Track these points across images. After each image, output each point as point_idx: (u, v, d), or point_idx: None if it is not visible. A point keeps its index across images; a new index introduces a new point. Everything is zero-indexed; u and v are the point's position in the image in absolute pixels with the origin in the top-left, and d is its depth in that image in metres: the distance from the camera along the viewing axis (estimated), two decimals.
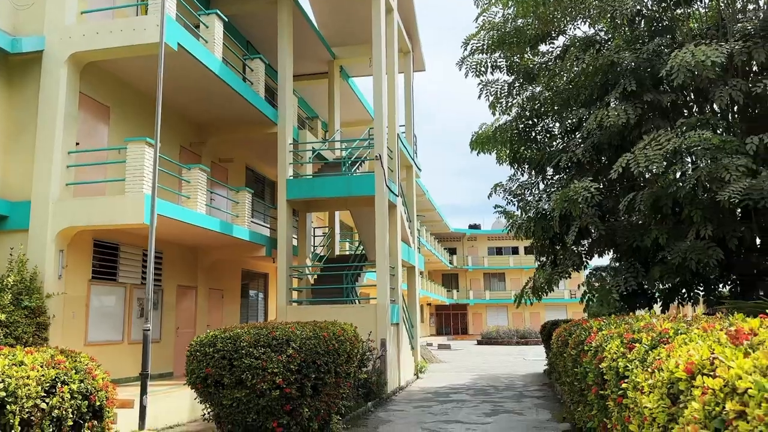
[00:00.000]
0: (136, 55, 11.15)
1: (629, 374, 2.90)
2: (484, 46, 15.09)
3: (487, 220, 63.14)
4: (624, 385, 2.90)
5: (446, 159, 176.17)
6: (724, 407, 1.70)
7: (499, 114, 15.43)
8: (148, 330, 7.54)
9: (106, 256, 12.23)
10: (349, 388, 9.52)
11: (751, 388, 1.58)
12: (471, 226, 62.32)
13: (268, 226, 17.60)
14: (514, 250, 61.32)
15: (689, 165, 11.73)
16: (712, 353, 1.98)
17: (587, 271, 15.20)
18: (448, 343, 38.74)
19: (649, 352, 2.84)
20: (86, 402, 5.49)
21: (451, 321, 60.48)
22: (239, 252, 15.34)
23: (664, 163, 10.82)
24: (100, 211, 10.52)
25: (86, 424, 5.51)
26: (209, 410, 7.57)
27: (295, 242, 16.90)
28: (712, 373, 1.88)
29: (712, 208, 11.23)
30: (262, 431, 7.30)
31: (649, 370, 2.58)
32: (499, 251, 61.76)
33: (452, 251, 60.23)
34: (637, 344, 3.10)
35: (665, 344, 2.76)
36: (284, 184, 14.84)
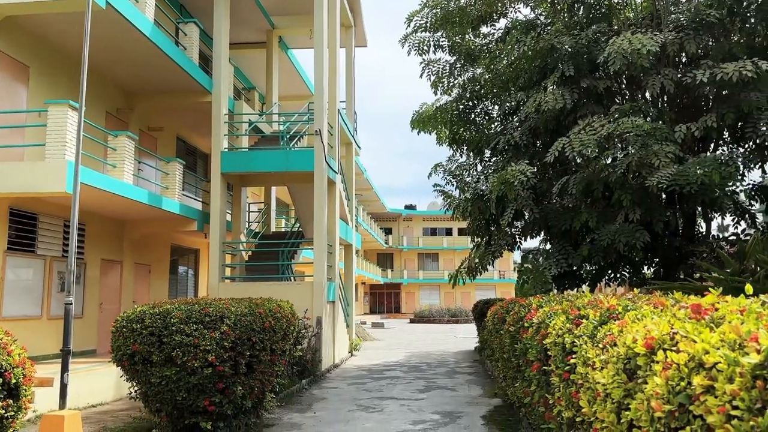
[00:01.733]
0: (60, 11, 10.36)
1: (577, 350, 2.89)
2: (428, 24, 14.96)
3: (422, 202, 63.81)
4: (572, 361, 2.89)
5: (385, 140, 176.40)
6: (689, 382, 1.66)
7: (441, 94, 15.42)
8: (71, 304, 7.06)
9: (23, 226, 11.41)
10: (284, 366, 9.33)
11: (720, 362, 1.54)
12: (407, 207, 62.80)
13: (200, 199, 16.97)
14: (448, 232, 62.36)
15: (620, 151, 12.10)
16: (672, 328, 1.96)
17: (518, 253, 15.60)
18: (381, 322, 39.09)
19: (599, 327, 2.83)
20: (0, 380, 5.06)
21: (385, 300, 61.03)
22: (169, 226, 14.72)
23: (597, 149, 11.11)
24: (18, 178, 9.77)
25: (0, 403, 5.09)
26: (136, 388, 7.20)
27: (228, 217, 16.39)
28: (674, 348, 1.85)
29: (641, 193, 11.65)
30: (192, 410, 7.01)
31: (600, 345, 2.57)
32: (433, 232, 62.64)
33: (388, 231, 60.56)
34: (584, 320, 3.10)
35: (615, 320, 2.75)
36: (218, 157, 14.30)
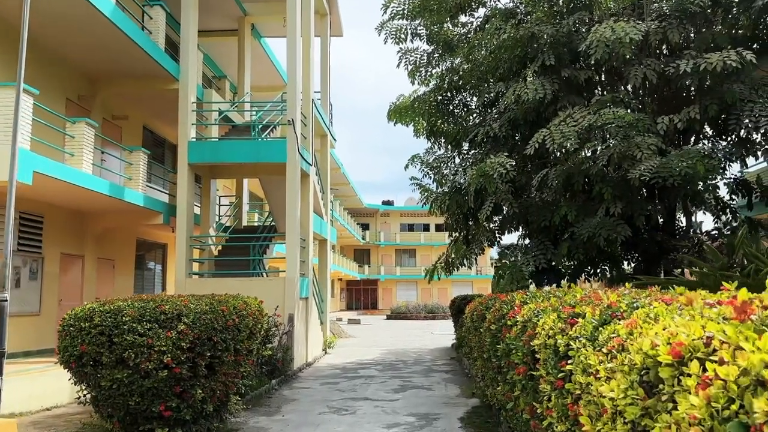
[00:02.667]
0: None
1: (574, 354, 2.46)
2: (405, 11, 14.49)
3: (400, 197, 63.37)
4: (568, 367, 2.46)
5: (362, 136, 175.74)
6: (743, 405, 1.23)
7: (419, 84, 14.96)
8: (5, 301, 6.45)
9: None
10: (251, 366, 8.81)
11: None
12: (384, 203, 62.33)
13: (168, 192, 16.28)
14: (425, 227, 62.12)
15: (601, 143, 11.79)
16: (705, 331, 1.53)
17: (495, 249, 15.27)
18: (357, 318, 38.60)
19: (600, 328, 2.40)
20: None
21: (361, 296, 60.56)
22: (133, 219, 14.02)
23: (578, 141, 10.76)
24: None
25: None
26: (85, 392, 6.63)
27: (197, 211, 15.76)
28: (714, 358, 1.42)
29: (622, 186, 11.36)
30: (146, 415, 6.47)
31: (604, 350, 2.13)
32: (411, 228, 62.33)
33: (365, 227, 60.07)
34: (580, 319, 2.67)
35: (620, 319, 2.32)
36: (185, 146, 13.65)
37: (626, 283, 13.23)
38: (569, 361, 2.50)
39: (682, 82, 11.19)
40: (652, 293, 3.00)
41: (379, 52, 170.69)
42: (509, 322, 4.18)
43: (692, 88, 11.98)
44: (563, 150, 12.58)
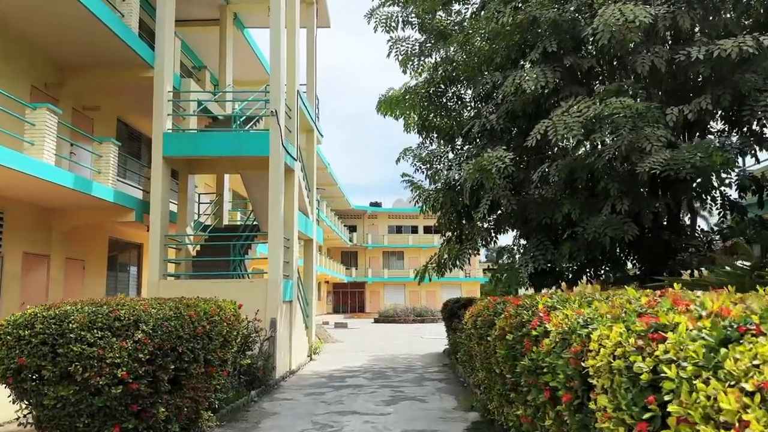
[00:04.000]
0: None
1: (674, 386, 1.62)
2: None
3: (388, 200, 62.49)
4: (674, 408, 1.61)
5: (351, 138, 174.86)
6: None
7: (411, 73, 14.12)
8: None
9: None
10: (226, 377, 7.91)
11: None
12: (372, 204, 61.44)
13: (143, 188, 15.31)
14: (414, 229, 61.36)
15: (608, 135, 11.04)
16: None
17: (483, 252, 14.53)
18: (345, 322, 37.65)
19: (721, 350, 1.57)
20: None
21: (348, 299, 59.59)
22: (104, 216, 13.04)
23: (582, 130, 9.98)
24: None
25: None
26: (26, 412, 5.69)
27: (175, 208, 14.79)
28: None
29: (629, 182, 10.64)
30: None
31: (747, 387, 1.31)
32: (399, 230, 61.51)
33: (352, 228, 59.16)
34: (670, 333, 1.84)
35: (756, 336, 1.51)
36: (160, 138, 12.69)
37: (629, 285, 12.55)
38: (672, 397, 1.66)
39: (692, 71, 10.47)
40: (724, 296, 2.18)
41: (369, 55, 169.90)
42: (535, 332, 3.36)
43: (700, 79, 11.27)
44: (567, 141, 11.88)
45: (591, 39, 10.45)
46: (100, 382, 5.26)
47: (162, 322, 5.71)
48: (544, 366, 3.04)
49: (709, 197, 11.88)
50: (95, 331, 5.33)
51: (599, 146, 11.46)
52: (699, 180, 11.05)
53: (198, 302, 6.77)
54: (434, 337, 25.01)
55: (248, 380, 10.42)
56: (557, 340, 2.90)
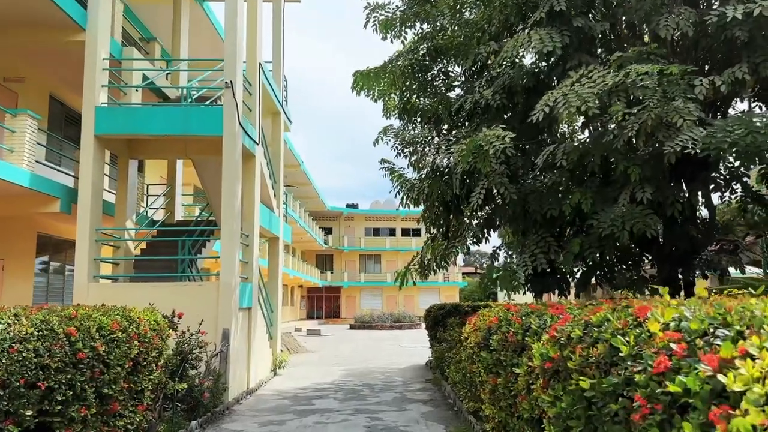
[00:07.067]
0: None
1: None
2: None
3: (364, 204, 60.23)
4: None
5: (327, 141, 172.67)
6: None
7: (392, 38, 12.20)
8: None
9: None
10: (143, 412, 5.87)
11: None
12: (348, 206, 59.40)
13: (75, 175, 13.11)
14: (392, 232, 59.55)
15: (626, 109, 9.28)
16: None
17: (461, 257, 12.69)
18: (318, 328, 35.51)
19: None
20: None
21: (323, 304, 57.41)
22: (22, 206, 10.86)
23: (597, 103, 8.18)
24: None
25: None
26: None
27: (113, 199, 12.65)
28: None
29: (652, 166, 8.88)
30: None
31: None
32: (376, 232, 59.58)
33: (328, 231, 57.06)
34: None
35: None
36: (92, 113, 10.56)
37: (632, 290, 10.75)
38: None
39: (726, 34, 8.76)
40: None
41: (344, 60, 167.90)
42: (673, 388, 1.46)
43: (730, 46, 9.58)
44: (577, 118, 10.13)
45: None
46: None
47: (11, 345, 3.70)
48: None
49: (731, 187, 10.19)
50: None
51: (612, 126, 9.74)
52: (734, 164, 9.41)
53: (90, 312, 4.75)
54: (414, 346, 23.11)
55: (189, 407, 8.37)
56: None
